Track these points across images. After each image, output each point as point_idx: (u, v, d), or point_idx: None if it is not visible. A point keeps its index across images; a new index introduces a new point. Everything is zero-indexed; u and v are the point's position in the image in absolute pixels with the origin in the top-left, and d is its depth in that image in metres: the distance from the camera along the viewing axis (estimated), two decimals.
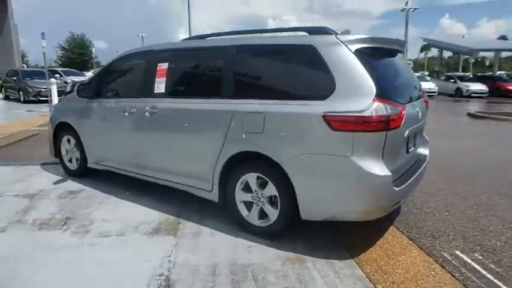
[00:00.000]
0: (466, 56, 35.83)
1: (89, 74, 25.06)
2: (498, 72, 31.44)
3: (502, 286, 2.48)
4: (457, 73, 33.51)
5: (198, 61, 3.60)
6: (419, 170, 3.28)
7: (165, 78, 3.62)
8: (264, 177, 3.00)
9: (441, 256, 2.87)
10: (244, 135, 3.00)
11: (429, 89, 22.54)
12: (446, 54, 45.86)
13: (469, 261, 2.80)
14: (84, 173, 4.68)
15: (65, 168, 4.91)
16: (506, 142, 8.43)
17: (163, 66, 3.65)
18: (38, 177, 4.78)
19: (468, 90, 23.31)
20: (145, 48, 4.04)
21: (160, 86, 3.66)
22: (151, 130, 3.70)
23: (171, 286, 2.41)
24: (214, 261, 2.72)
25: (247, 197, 3.15)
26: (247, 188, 3.14)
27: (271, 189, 2.98)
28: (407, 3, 29.53)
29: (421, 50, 71.00)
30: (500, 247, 3.02)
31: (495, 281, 2.54)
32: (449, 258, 2.84)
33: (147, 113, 3.68)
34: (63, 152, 4.88)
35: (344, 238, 3.09)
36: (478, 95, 23.03)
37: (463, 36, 39.15)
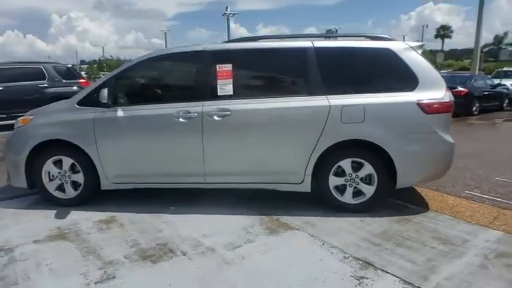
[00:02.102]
0: None
1: None
2: None
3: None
4: None
5: (277, 61, 3.66)
6: None
7: (230, 80, 3.53)
8: (360, 160, 3.51)
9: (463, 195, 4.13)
10: (343, 127, 3.42)
11: None
12: None
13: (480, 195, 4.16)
14: (86, 199, 3.83)
15: (51, 198, 3.84)
16: None
17: (227, 67, 3.54)
18: (30, 218, 3.59)
19: None
20: (193, 48, 3.72)
21: (226, 87, 3.54)
22: (224, 133, 3.53)
23: (371, 263, 2.71)
24: (368, 235, 3.11)
25: (340, 181, 3.58)
26: (339, 173, 3.57)
27: (366, 170, 3.52)
28: (227, 8, 32.66)
29: None
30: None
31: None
32: (467, 196, 4.13)
33: (215, 117, 3.49)
34: (44, 179, 3.79)
35: (411, 202, 3.94)
36: None
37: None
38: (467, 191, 4.30)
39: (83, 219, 3.53)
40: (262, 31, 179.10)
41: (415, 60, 3.49)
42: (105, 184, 3.78)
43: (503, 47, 39.65)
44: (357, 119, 3.40)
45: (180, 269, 2.66)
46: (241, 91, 3.56)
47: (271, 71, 3.71)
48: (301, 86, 3.53)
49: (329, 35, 4.45)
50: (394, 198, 3.91)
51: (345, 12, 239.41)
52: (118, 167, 3.72)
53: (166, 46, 51.24)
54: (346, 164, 3.53)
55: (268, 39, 3.83)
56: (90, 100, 3.69)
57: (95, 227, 3.37)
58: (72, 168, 3.78)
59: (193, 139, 3.56)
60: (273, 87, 3.64)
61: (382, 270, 2.61)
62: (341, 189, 3.60)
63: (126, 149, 3.67)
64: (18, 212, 3.72)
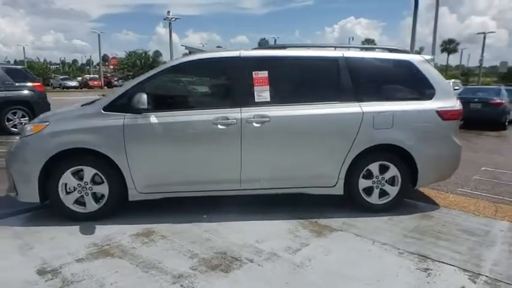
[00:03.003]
0: None
1: None
2: None
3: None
4: None
5: (311, 69, 3.80)
6: None
7: (267, 86, 3.59)
8: (387, 163, 3.79)
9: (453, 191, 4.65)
10: (374, 132, 3.68)
11: None
12: None
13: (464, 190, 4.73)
14: (109, 212, 3.56)
15: (68, 213, 3.49)
16: None
17: (263, 73, 3.59)
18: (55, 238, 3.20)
19: None
20: (229, 54, 3.68)
21: (263, 94, 3.58)
22: (263, 139, 3.55)
23: (426, 256, 2.96)
24: (404, 231, 3.37)
25: (368, 183, 3.83)
26: (367, 176, 3.81)
27: (391, 172, 3.81)
28: (168, 12, 31.79)
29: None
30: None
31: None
32: (461, 193, 4.67)
33: (254, 123, 3.51)
34: (61, 192, 3.44)
35: (419, 200, 4.32)
36: None
37: (203, 45, 45.72)
38: (459, 189, 4.86)
39: (116, 233, 3.28)
40: (192, 37, 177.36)
41: (431, 71, 3.90)
42: (134, 195, 3.55)
43: None
44: (386, 125, 3.68)
45: (257, 276, 2.64)
46: (277, 98, 3.62)
47: (305, 79, 3.83)
48: (334, 93, 3.71)
49: (351, 45, 4.73)
50: (405, 198, 4.27)
51: (273, 22, 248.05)
52: (149, 176, 3.52)
53: (99, 48, 48.22)
54: (374, 167, 3.79)
55: (295, 48, 3.96)
56: (118, 105, 3.45)
57: (137, 240, 3.15)
58: (95, 179, 3.49)
59: (232, 146, 3.53)
60: (307, 94, 3.75)
61: (439, 261, 2.87)
62: (368, 190, 3.85)
63: (158, 157, 3.49)
64: (33, 230, 3.32)
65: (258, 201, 4.00)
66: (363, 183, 3.81)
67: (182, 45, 39.81)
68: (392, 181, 3.86)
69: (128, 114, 3.42)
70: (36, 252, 2.93)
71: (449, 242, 3.21)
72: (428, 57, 4.03)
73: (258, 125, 3.52)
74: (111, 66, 53.70)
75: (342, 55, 3.79)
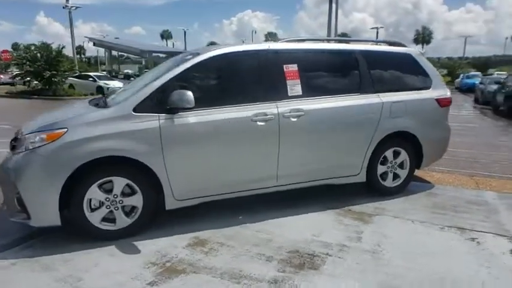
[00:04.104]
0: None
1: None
2: None
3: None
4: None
5: (335, 62, 3.87)
6: None
7: (298, 80, 3.58)
8: (399, 148, 4.12)
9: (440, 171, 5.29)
10: (391, 121, 3.96)
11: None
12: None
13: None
14: (143, 226, 3.18)
15: (96, 233, 3.00)
16: None
17: (294, 66, 3.57)
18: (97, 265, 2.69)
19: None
20: (259, 46, 3.52)
21: (295, 88, 3.56)
22: (299, 133, 3.53)
23: (462, 227, 3.34)
24: (427, 208, 3.73)
25: (384, 168, 4.12)
26: (383, 162, 4.10)
27: (402, 157, 4.17)
28: (67, 0, 28.34)
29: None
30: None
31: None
32: (441, 171, 5.31)
33: (291, 118, 3.47)
34: (86, 210, 2.94)
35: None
36: None
37: (104, 37, 42.05)
38: (436, 167, 5.51)
39: (165, 247, 2.94)
40: (82, 28, 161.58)
41: (426, 63, 4.34)
42: (171, 203, 3.21)
43: None
44: (400, 113, 3.99)
45: (347, 268, 2.67)
46: (307, 91, 3.63)
47: (330, 71, 3.90)
48: (356, 85, 3.87)
49: (357, 39, 4.82)
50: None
51: (171, 13, 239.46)
52: (188, 181, 3.22)
53: None
54: (389, 153, 4.09)
55: (313, 41, 4.03)
56: (150, 105, 3.07)
57: (196, 251, 2.88)
58: (125, 191, 3.06)
59: (270, 141, 3.44)
60: (332, 86, 3.83)
61: (476, 231, 3.28)
62: (383, 175, 4.14)
63: (198, 159, 3.22)
64: (61, 258, 2.77)
65: (282, 196, 3.95)
66: (380, 169, 4.08)
67: (86, 37, 36.19)
68: (401, 165, 4.21)
69: (163, 114, 3.07)
70: (91, 283, 2.47)
71: (468, 214, 3.67)
72: (422, 50, 4.47)
73: (294, 119, 3.49)
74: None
75: (358, 48, 3.97)
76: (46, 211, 2.84)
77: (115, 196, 3.02)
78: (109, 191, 3.01)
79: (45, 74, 19.32)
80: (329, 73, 3.90)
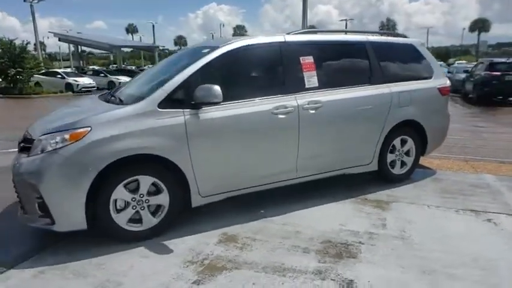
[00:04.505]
0: None
1: None
2: None
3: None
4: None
5: (347, 53, 3.92)
6: None
7: (314, 71, 3.59)
8: (406, 137, 4.25)
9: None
10: (400, 110, 4.07)
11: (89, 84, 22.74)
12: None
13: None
14: (167, 225, 3.10)
15: (123, 234, 2.90)
16: None
17: (310, 58, 3.58)
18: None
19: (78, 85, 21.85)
20: (275, 39, 3.48)
21: (312, 79, 3.58)
22: (317, 125, 3.55)
23: (474, 209, 3.50)
24: (437, 193, 3.88)
25: (392, 157, 4.24)
26: (392, 150, 4.21)
27: (409, 145, 4.30)
28: None
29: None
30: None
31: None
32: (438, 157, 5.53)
33: (310, 110, 3.49)
34: (112, 211, 2.83)
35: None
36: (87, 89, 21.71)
37: (67, 31, 39.97)
38: (432, 154, 5.71)
39: (197, 245, 2.88)
40: (40, 22, 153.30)
41: (428, 53, 4.49)
42: (197, 200, 3.15)
43: None
44: (407, 102, 4.11)
45: (383, 255, 2.73)
46: (323, 82, 3.65)
47: (343, 63, 3.94)
48: (367, 76, 3.93)
49: (360, 30, 4.84)
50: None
51: (133, 7, 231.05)
52: (213, 177, 3.17)
53: None
54: (397, 141, 4.20)
55: (324, 33, 4.06)
56: (175, 100, 2.98)
57: (230, 247, 2.85)
58: (151, 190, 2.96)
59: (290, 134, 3.44)
60: (346, 77, 3.86)
61: (489, 212, 3.45)
62: (392, 163, 4.26)
63: (222, 154, 3.16)
64: (91, 263, 2.65)
65: (297, 189, 3.95)
66: (390, 157, 4.19)
67: (50, 32, 34.29)
68: (408, 152, 4.34)
69: (187, 110, 2.99)
70: (132, 286, 2.38)
71: (475, 196, 3.86)
72: (422, 41, 4.61)
73: (313, 111, 3.50)
74: None
75: (367, 39, 4.04)
76: (72, 215, 2.71)
77: (141, 195, 2.92)
78: (133, 191, 2.90)
79: (10, 71, 18.24)
80: (342, 64, 3.94)
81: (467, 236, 3.02)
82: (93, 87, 22.51)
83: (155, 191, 2.99)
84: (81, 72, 27.00)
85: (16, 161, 2.92)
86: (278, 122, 3.35)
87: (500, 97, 13.64)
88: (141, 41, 55.86)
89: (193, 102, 2.98)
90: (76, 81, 21.73)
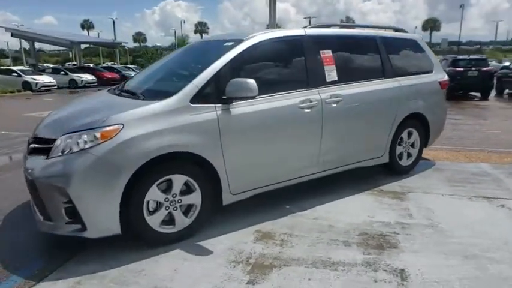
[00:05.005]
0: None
1: None
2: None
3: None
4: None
5: (361, 48, 3.96)
6: None
7: (334, 65, 3.60)
8: (412, 129, 4.39)
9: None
10: (408, 103, 4.19)
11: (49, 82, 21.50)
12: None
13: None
14: (200, 225, 2.98)
15: (156, 238, 2.74)
16: None
17: (329, 52, 3.58)
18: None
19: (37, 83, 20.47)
20: (296, 32, 3.44)
21: (332, 73, 3.58)
22: (338, 119, 3.56)
23: (485, 196, 3.69)
24: (446, 183, 4.05)
25: (400, 149, 4.37)
26: (400, 143, 4.34)
27: (414, 137, 4.45)
28: None
29: None
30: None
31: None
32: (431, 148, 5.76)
33: (333, 104, 3.50)
34: (146, 213, 2.66)
35: None
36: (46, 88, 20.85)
37: (18, 26, 37.32)
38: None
39: (235, 245, 2.79)
40: None
41: (428, 48, 4.66)
42: (228, 198, 3.04)
43: None
44: (414, 96, 4.24)
45: (422, 243, 2.79)
46: (341, 76, 3.65)
47: (358, 57, 3.97)
48: (379, 70, 4.00)
49: (365, 24, 4.79)
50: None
51: (87, 1, 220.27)
52: (244, 174, 3.08)
53: None
54: (405, 134, 4.33)
55: (338, 27, 4.09)
56: (206, 95, 2.85)
57: (269, 244, 2.79)
58: (182, 190, 2.82)
59: (315, 128, 3.42)
60: (360, 71, 3.90)
61: (500, 198, 3.65)
62: (400, 155, 4.38)
63: (252, 150, 3.08)
64: (128, 270, 2.48)
65: (314, 184, 3.92)
66: (398, 149, 4.32)
67: (2, 27, 31.73)
68: (413, 144, 4.49)
69: (219, 105, 2.88)
70: None
71: (482, 184, 4.06)
72: (421, 36, 4.77)
73: (334, 104, 3.51)
74: None
75: (378, 34, 4.11)
76: (105, 219, 2.52)
77: (174, 195, 2.77)
78: (165, 191, 2.75)
79: None
80: (357, 58, 3.98)
81: (489, 221, 3.17)
82: (54, 85, 21.30)
83: (186, 190, 2.86)
84: (40, 70, 25.30)
85: (30, 164, 2.67)
86: (304, 116, 3.32)
87: (461, 92, 14.51)
88: (98, 37, 53.32)
89: (224, 97, 2.88)
90: (35, 79, 20.35)
